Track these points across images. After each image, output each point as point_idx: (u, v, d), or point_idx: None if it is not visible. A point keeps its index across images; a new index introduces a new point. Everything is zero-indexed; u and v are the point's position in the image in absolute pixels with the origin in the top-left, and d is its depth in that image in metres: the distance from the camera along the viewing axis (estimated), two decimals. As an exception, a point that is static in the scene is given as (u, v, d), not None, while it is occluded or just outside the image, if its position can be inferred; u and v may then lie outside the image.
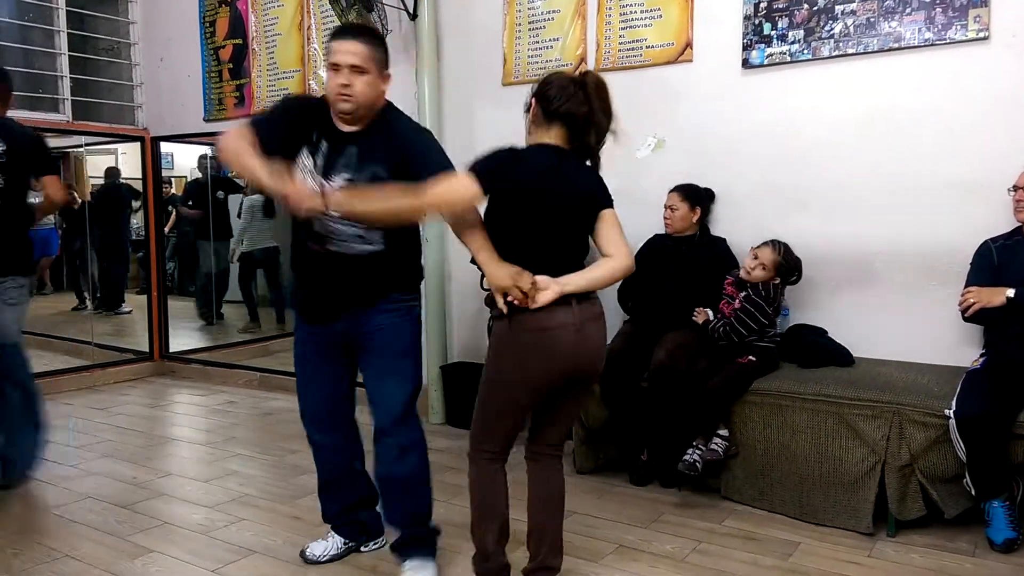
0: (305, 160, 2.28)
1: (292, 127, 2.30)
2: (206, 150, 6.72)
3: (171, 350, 5.80)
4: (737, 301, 3.11)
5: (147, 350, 5.75)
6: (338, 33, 2.29)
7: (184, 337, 6.26)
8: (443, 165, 2.21)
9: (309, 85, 4.82)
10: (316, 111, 2.32)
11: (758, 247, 3.11)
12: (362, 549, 2.67)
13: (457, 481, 3.36)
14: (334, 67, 2.21)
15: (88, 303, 7.31)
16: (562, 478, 2.29)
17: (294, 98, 2.38)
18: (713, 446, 2.97)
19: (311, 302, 2.42)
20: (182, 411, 4.78)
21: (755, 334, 3.06)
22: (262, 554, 2.68)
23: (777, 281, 3.09)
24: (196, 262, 7.01)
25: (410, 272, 2.45)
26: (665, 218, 3.43)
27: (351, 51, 2.20)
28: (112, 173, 7.07)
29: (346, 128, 2.28)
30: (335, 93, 2.22)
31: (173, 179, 8.19)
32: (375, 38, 2.29)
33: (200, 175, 6.98)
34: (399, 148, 2.27)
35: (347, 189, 2.20)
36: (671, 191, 3.44)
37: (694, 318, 3.21)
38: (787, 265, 3.09)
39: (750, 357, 3.03)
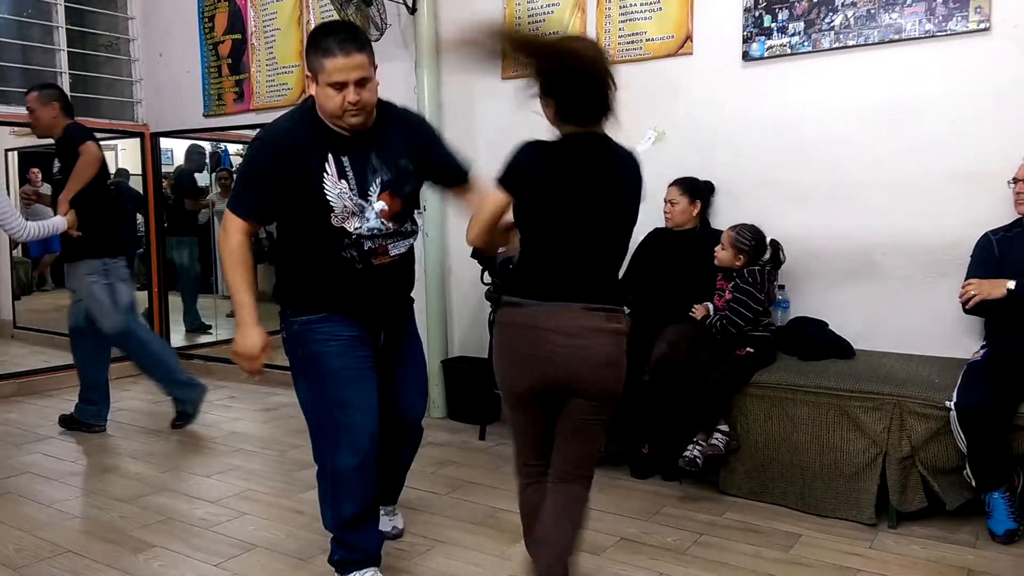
0: (337, 188, 2.14)
1: (286, 176, 2.13)
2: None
3: (173, 346, 5.80)
4: (728, 292, 3.12)
5: (149, 346, 5.74)
6: (326, 51, 2.06)
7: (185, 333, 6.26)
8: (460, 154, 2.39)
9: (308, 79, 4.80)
10: (308, 135, 2.15)
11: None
12: None
13: (458, 475, 3.37)
14: (337, 86, 2.06)
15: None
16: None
17: (271, 141, 2.19)
18: (714, 441, 2.97)
19: (378, 314, 2.32)
20: (184, 407, 4.78)
21: (750, 323, 3.06)
22: (265, 548, 2.68)
23: (741, 261, 3.10)
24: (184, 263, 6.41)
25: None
26: (665, 212, 3.43)
27: (355, 66, 2.07)
28: (121, 173, 6.68)
29: (352, 133, 2.17)
30: (343, 111, 2.09)
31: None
32: (365, 39, 2.15)
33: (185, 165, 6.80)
34: (413, 134, 2.30)
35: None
36: (671, 185, 3.43)
37: (691, 314, 3.22)
38: (747, 241, 3.09)
39: (748, 349, 3.03)
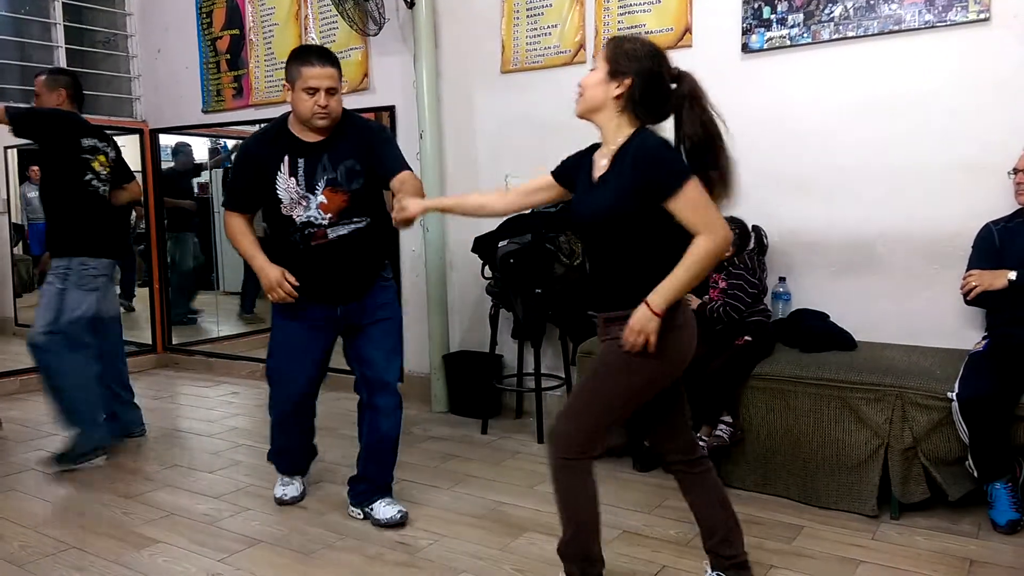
0: (286, 184, 2.61)
1: (256, 176, 2.64)
2: (187, 141, 6.66)
3: (174, 342, 5.82)
4: (722, 282, 3.14)
5: (150, 342, 5.76)
6: (305, 60, 2.56)
7: (186, 329, 6.27)
8: (401, 158, 2.66)
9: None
10: (273, 142, 2.64)
11: None
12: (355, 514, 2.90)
13: (460, 468, 3.38)
14: (311, 90, 2.52)
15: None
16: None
17: (247, 149, 2.79)
18: (718, 432, 2.98)
19: (330, 288, 2.70)
20: (186, 403, 4.79)
21: (748, 307, 3.08)
22: (267, 543, 2.69)
23: (730, 251, 3.08)
24: (176, 258, 6.50)
25: (387, 248, 2.90)
26: None
27: (327, 75, 2.55)
28: None
29: (314, 139, 2.62)
30: (312, 113, 2.54)
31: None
32: (336, 59, 2.64)
33: (174, 165, 6.86)
34: (363, 139, 2.66)
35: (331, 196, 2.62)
36: None
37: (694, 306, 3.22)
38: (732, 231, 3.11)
39: (746, 338, 3.04)
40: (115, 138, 3.89)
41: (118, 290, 3.72)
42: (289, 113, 2.66)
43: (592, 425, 2.02)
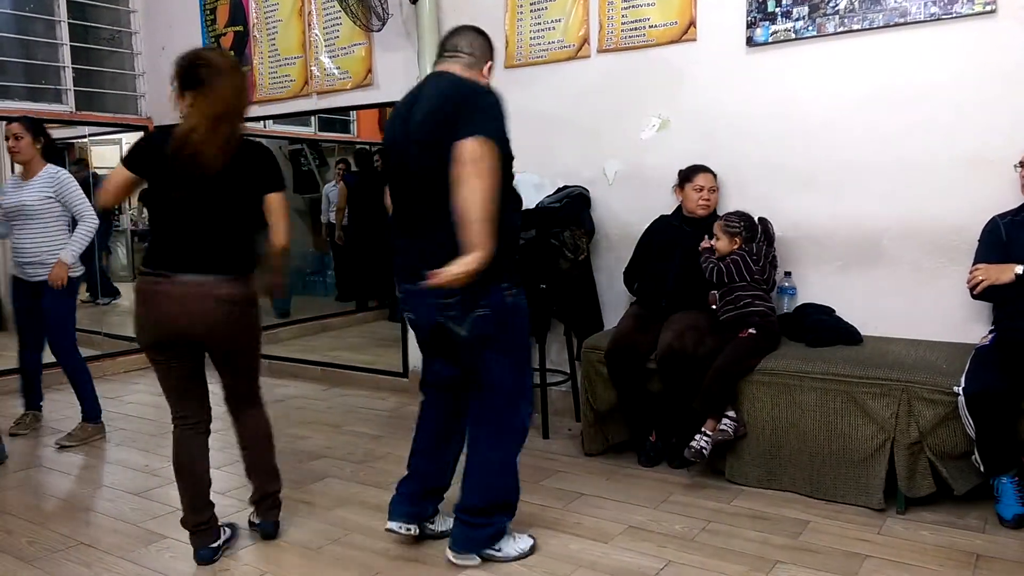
0: None
1: None
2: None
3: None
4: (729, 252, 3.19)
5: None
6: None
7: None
8: None
9: (311, 71, 4.80)
10: None
11: None
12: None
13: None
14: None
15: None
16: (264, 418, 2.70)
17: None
18: (723, 427, 2.97)
19: None
20: (192, 399, 4.79)
21: (744, 281, 3.11)
22: (274, 539, 2.70)
23: (738, 243, 3.17)
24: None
25: None
26: (703, 199, 3.37)
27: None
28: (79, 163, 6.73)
29: None
30: None
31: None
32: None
33: None
34: None
35: None
36: (704, 172, 3.39)
37: (702, 247, 3.27)
38: (736, 223, 3.17)
39: (750, 331, 3.04)
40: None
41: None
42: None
43: None
